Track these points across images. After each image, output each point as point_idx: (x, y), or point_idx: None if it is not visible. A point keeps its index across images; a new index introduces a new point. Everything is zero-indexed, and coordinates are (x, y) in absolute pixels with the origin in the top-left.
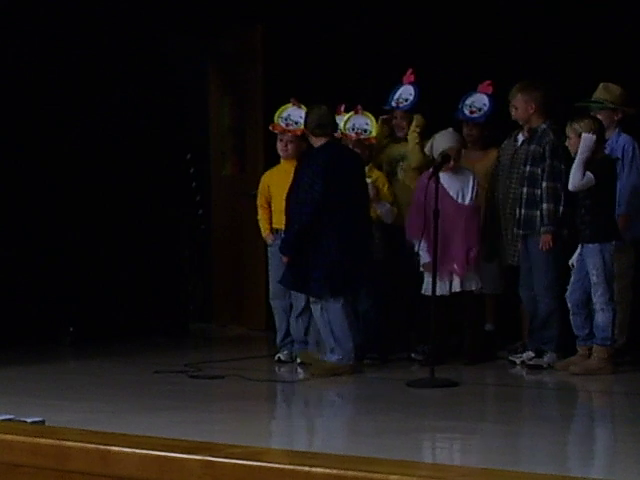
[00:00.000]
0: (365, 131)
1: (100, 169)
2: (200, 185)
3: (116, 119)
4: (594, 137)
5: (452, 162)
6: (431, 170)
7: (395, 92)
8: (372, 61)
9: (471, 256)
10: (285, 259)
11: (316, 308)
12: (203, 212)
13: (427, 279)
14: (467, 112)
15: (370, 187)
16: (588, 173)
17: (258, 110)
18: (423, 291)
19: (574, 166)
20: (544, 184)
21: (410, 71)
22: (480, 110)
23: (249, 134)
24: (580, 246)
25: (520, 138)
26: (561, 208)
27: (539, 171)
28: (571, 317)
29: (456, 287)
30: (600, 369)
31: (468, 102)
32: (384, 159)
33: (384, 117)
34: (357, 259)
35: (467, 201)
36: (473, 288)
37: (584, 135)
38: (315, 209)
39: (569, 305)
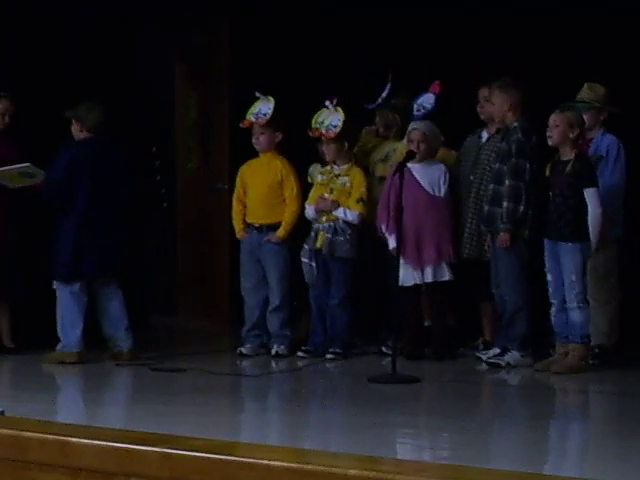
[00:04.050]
0: (335, 127)
1: None
2: (165, 178)
3: None
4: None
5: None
6: (396, 165)
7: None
8: (340, 56)
9: (443, 247)
10: None
11: (57, 293)
12: (168, 205)
13: (403, 272)
14: (415, 111)
15: (327, 198)
16: (595, 194)
17: (224, 104)
18: (400, 283)
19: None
20: (507, 182)
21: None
22: (425, 109)
23: (215, 128)
24: (551, 243)
25: (484, 135)
26: (521, 207)
27: (505, 169)
28: (556, 314)
29: (428, 277)
30: (580, 367)
31: (419, 102)
32: (372, 158)
33: (369, 128)
34: (97, 249)
35: (441, 193)
36: (446, 279)
37: (593, 212)
38: (52, 191)
39: (554, 302)
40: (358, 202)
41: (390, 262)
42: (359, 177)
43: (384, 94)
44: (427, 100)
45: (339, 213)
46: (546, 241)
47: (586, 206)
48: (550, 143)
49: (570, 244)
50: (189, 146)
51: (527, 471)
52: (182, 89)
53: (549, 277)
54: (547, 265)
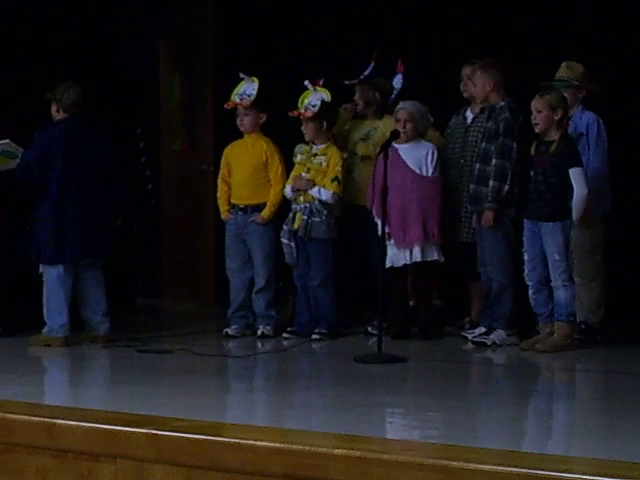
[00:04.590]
0: (313, 106)
1: None
2: (150, 160)
3: None
4: (586, 192)
5: (402, 136)
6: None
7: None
8: (324, 36)
9: (430, 227)
10: None
11: (44, 277)
12: (152, 186)
13: (391, 252)
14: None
15: (304, 177)
16: (581, 174)
17: (208, 85)
18: (389, 264)
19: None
20: (493, 161)
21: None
22: (396, 89)
23: (199, 109)
24: (531, 224)
25: (469, 115)
26: (506, 187)
27: (492, 148)
28: (532, 295)
29: (417, 257)
30: (566, 346)
31: (393, 84)
32: (351, 138)
33: (346, 106)
34: (79, 230)
35: (429, 173)
36: (435, 258)
37: (579, 191)
38: (24, 172)
39: (530, 283)
40: (333, 181)
41: (377, 242)
42: (335, 156)
43: (366, 72)
44: (397, 81)
45: (314, 192)
46: (526, 221)
47: (567, 186)
48: (537, 130)
49: (551, 223)
50: (173, 128)
51: (514, 449)
52: (166, 70)
53: (526, 257)
54: (525, 245)
